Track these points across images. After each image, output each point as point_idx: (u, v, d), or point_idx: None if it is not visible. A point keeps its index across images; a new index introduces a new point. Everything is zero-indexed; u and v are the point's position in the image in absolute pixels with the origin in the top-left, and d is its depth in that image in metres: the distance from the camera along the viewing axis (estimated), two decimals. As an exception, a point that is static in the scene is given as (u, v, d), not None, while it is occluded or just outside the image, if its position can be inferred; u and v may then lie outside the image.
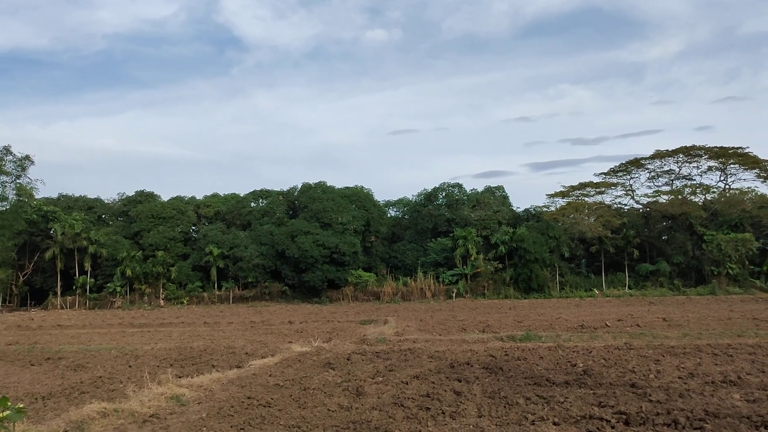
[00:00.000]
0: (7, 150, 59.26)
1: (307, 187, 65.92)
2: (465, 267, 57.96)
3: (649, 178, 64.15)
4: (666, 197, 60.97)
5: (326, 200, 61.68)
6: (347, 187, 66.56)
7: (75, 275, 62.96)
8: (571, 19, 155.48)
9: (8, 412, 3.16)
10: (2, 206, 60.09)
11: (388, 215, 70.87)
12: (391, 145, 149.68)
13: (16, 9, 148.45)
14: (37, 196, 63.63)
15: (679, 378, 12.16)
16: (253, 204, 69.49)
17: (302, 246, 56.86)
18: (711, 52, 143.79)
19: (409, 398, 10.87)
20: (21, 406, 3.21)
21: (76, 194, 73.31)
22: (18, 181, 60.64)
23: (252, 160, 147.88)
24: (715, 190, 61.41)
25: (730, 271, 53.94)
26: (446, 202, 65.63)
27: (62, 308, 59.96)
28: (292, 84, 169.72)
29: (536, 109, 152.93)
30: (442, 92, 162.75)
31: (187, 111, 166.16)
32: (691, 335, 20.09)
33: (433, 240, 61.85)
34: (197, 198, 72.56)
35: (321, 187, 65.24)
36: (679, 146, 60.71)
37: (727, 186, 62.00)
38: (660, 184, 63.80)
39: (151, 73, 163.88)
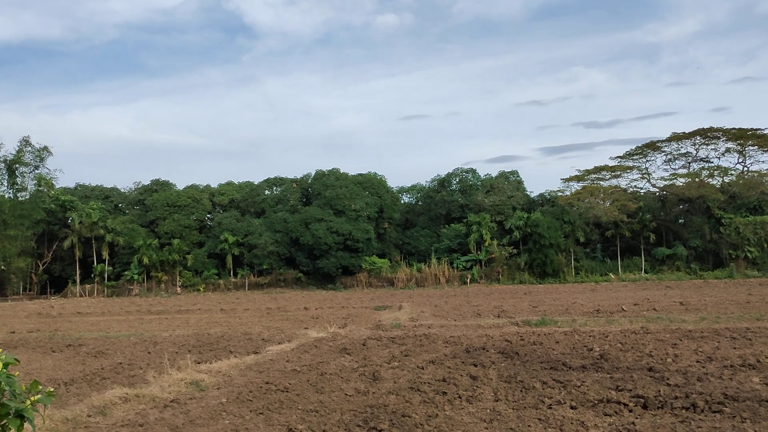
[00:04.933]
0: (26, 141, 60.04)
1: (320, 174, 66.03)
2: (479, 253, 57.90)
3: (665, 161, 63.63)
4: (683, 180, 60.37)
5: (339, 187, 61.78)
6: (360, 174, 66.61)
7: (93, 263, 63.74)
8: (584, 0, 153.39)
9: (39, 395, 3.24)
10: (22, 196, 60.89)
11: (402, 201, 70.90)
12: (403, 130, 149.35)
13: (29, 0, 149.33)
14: (56, 186, 64.45)
15: (697, 362, 12.10)
16: (267, 191, 69.80)
17: (316, 233, 57.08)
18: (728, 31, 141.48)
19: (425, 383, 10.93)
20: (51, 390, 3.29)
21: (93, 184, 74.22)
22: (37, 171, 61.40)
23: (264, 147, 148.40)
24: (733, 172, 60.71)
25: (749, 255, 53.43)
26: (460, 188, 65.48)
27: (81, 296, 60.78)
28: (304, 70, 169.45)
29: (549, 93, 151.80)
30: (454, 76, 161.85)
31: (200, 99, 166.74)
32: (709, 319, 19.96)
33: (447, 226, 61.79)
34: (212, 186, 73.05)
35: (334, 174, 65.32)
36: (696, 128, 60.10)
37: (745, 168, 61.30)
38: (677, 167, 63.28)
39: (163, 62, 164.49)
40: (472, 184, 65.12)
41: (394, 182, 75.20)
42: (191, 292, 60.62)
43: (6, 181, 60.96)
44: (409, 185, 73.78)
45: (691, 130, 60.38)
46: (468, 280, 56.55)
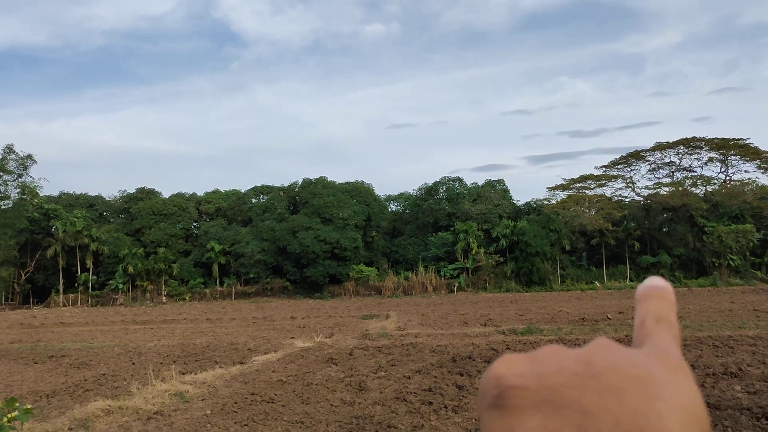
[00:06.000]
0: (9, 149, 59.42)
1: (307, 183, 65.96)
2: (466, 261, 58.03)
3: (649, 170, 64.26)
4: (667, 189, 61.03)
5: (327, 195, 61.75)
6: (348, 182, 66.63)
7: (77, 273, 63.09)
8: (569, 12, 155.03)
9: (16, 413, 3.21)
10: (5, 205, 60.22)
11: (389, 210, 70.96)
12: (390, 139, 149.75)
13: (14, 5, 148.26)
14: (40, 194, 63.82)
15: (681, 370, 12.17)
16: (254, 200, 69.58)
17: (303, 241, 56.93)
18: (710, 42, 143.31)
19: (411, 393, 10.92)
20: (29, 406, 3.26)
21: (77, 192, 73.55)
22: (20, 179, 60.80)
23: (252, 154, 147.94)
24: (716, 181, 61.51)
25: (731, 263, 53.97)
26: (447, 196, 65.67)
27: (64, 306, 60.11)
28: (292, 79, 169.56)
29: (534, 102, 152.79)
30: (441, 86, 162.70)
31: (187, 107, 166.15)
32: (692, 327, 20.12)
33: (434, 234, 61.90)
34: (198, 194, 72.71)
35: (322, 182, 65.27)
36: (679, 138, 60.79)
37: (727, 177, 62.05)
38: (661, 176, 63.93)
39: (151, 70, 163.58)
40: (459, 193, 65.35)
41: (381, 190, 75.48)
42: (177, 301, 60.16)
43: (-12, 190, 60.29)
44: (397, 194, 73.93)
45: (674, 140, 61.17)
46: (455, 289, 56.62)
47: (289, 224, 59.77)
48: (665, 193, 60.65)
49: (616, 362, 0.37)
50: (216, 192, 73.99)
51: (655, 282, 0.51)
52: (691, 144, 60.94)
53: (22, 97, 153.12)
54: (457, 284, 56.91)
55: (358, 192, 64.77)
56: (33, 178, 61.64)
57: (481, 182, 67.13)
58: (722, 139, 59.58)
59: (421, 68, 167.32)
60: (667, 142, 61.55)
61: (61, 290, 62.45)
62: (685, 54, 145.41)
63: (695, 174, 62.49)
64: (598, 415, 0.34)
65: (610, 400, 0.34)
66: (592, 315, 26.71)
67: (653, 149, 62.26)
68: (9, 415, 3.16)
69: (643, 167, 64.15)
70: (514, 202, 66.11)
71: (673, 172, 63.58)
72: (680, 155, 62.62)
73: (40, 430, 8.58)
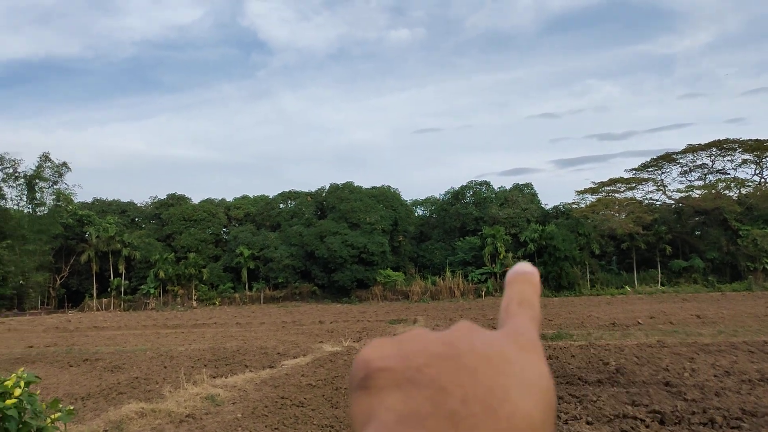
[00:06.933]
0: (46, 157, 60.99)
1: (334, 188, 66.27)
2: (494, 265, 57.67)
3: (681, 173, 63.14)
4: (699, 192, 59.90)
5: (354, 200, 61.95)
6: (374, 187, 66.77)
7: (110, 277, 64.29)
8: (597, 14, 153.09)
9: (59, 413, 3.32)
10: (40, 211, 61.74)
11: (416, 214, 70.88)
12: (416, 144, 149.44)
13: (48, 17, 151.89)
14: (74, 201, 65.35)
15: (715, 376, 11.97)
16: (282, 205, 70.10)
17: (331, 246, 57.20)
18: (742, 42, 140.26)
19: (440, 398, 10.89)
20: (71, 407, 3.37)
21: (110, 198, 74.99)
22: (55, 186, 62.32)
23: (279, 161, 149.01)
24: (750, 183, 60.16)
25: (767, 267, 52.71)
26: (474, 201, 65.37)
27: (98, 310, 61.26)
28: (317, 85, 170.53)
29: (561, 105, 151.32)
30: (467, 90, 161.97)
31: (215, 114, 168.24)
32: (727, 332, 19.72)
33: (461, 239, 61.65)
34: (227, 200, 73.53)
35: (348, 187, 65.51)
36: (711, 140, 59.66)
37: (762, 179, 60.67)
38: (693, 178, 62.79)
39: (179, 78, 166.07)
40: (486, 197, 64.99)
41: (408, 195, 75.46)
42: (207, 305, 60.88)
43: (25, 197, 61.89)
44: (423, 198, 73.81)
45: (706, 142, 60.05)
46: (483, 293, 56.30)
47: (317, 229, 60.12)
48: (697, 196, 59.54)
49: (474, 343, 0.41)
50: (245, 198, 74.75)
51: (522, 267, 0.54)
52: (724, 146, 59.77)
53: (57, 106, 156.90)
54: (484, 289, 56.58)
55: (385, 197, 64.88)
56: (67, 185, 63.22)
57: (508, 186, 66.75)
58: (756, 140, 58.31)
59: (446, 73, 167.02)
60: (699, 144, 60.49)
61: (95, 295, 63.71)
62: (717, 54, 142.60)
63: (728, 176, 61.32)
64: (451, 391, 0.37)
65: (465, 377, 0.37)
66: (623, 320, 26.35)
67: (685, 151, 61.21)
68: (53, 416, 3.27)
69: (675, 170, 63.14)
70: (542, 206, 65.53)
71: (705, 175, 62.44)
72: (713, 157, 61.47)
73: (76, 432, 8.79)
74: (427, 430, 0.35)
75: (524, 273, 0.53)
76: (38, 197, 61.80)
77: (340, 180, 69.56)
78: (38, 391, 3.45)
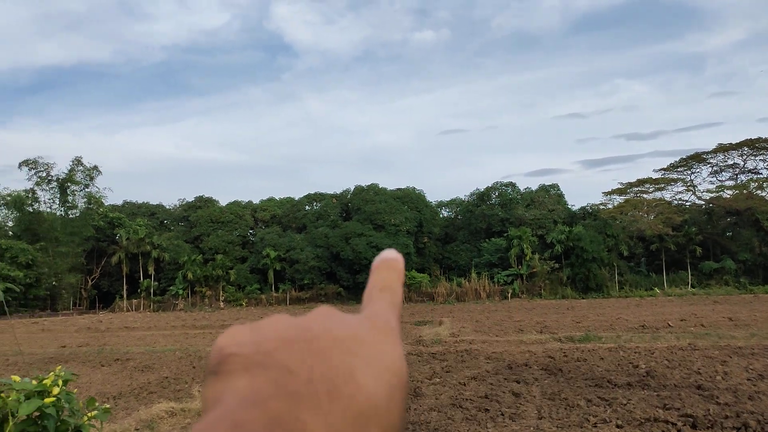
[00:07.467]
0: (78, 161, 62.36)
1: (359, 190, 66.44)
2: (520, 267, 57.25)
3: (711, 173, 62.05)
4: (730, 192, 58.72)
5: (379, 202, 62.05)
6: (399, 189, 66.80)
7: (140, 279, 65.34)
8: (624, 12, 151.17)
9: (96, 412, 3.40)
10: (73, 214, 63.08)
11: (441, 216, 70.72)
12: (441, 145, 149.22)
13: (79, 24, 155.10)
14: (105, 204, 66.67)
15: (748, 380, 11.74)
16: (307, 207, 70.53)
17: (356, 248, 57.38)
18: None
19: (467, 399, 10.88)
20: (107, 406, 3.44)
21: (140, 201, 76.26)
22: (87, 190, 63.64)
23: (305, 163, 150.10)
24: (783, 183, 58.80)
25: (802, 268, 51.53)
26: (500, 202, 64.97)
27: (128, 311, 62.29)
28: (342, 87, 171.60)
29: (588, 105, 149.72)
30: (492, 91, 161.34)
31: (242, 117, 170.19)
32: (760, 335, 19.31)
33: (487, 240, 61.33)
34: (254, 202, 74.24)
35: (373, 189, 65.63)
36: (743, 139, 58.51)
37: (796, 179, 59.28)
38: (724, 178, 61.64)
39: (207, 82, 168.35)
40: (512, 198, 64.54)
41: (433, 197, 75.21)
42: (234, 306, 61.49)
43: (58, 199, 63.32)
44: (449, 199, 73.66)
45: (737, 141, 58.88)
46: (509, 295, 55.93)
47: (342, 231, 60.36)
48: (728, 196, 58.37)
49: (330, 327, 0.41)
50: (271, 200, 75.40)
51: (387, 254, 0.54)
52: (756, 145, 58.54)
53: (88, 110, 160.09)
54: (511, 291, 56.20)
55: (410, 198, 64.86)
56: (98, 189, 64.69)
57: (534, 187, 66.18)
58: (790, 139, 57.08)
59: (471, 74, 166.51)
60: (730, 144, 59.34)
61: (125, 296, 64.80)
62: (749, 52, 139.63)
63: (761, 176, 60.01)
64: (297, 372, 0.37)
65: (315, 360, 0.38)
66: (653, 322, 25.94)
67: (715, 151, 60.11)
68: (89, 414, 3.35)
69: (705, 170, 62.08)
70: (569, 207, 64.86)
71: (736, 175, 61.23)
72: (744, 157, 60.26)
73: (108, 431, 8.95)
74: (269, 411, 0.35)
75: (388, 260, 0.54)
76: (70, 200, 63.23)
77: (365, 182, 69.78)
78: (75, 390, 3.53)
